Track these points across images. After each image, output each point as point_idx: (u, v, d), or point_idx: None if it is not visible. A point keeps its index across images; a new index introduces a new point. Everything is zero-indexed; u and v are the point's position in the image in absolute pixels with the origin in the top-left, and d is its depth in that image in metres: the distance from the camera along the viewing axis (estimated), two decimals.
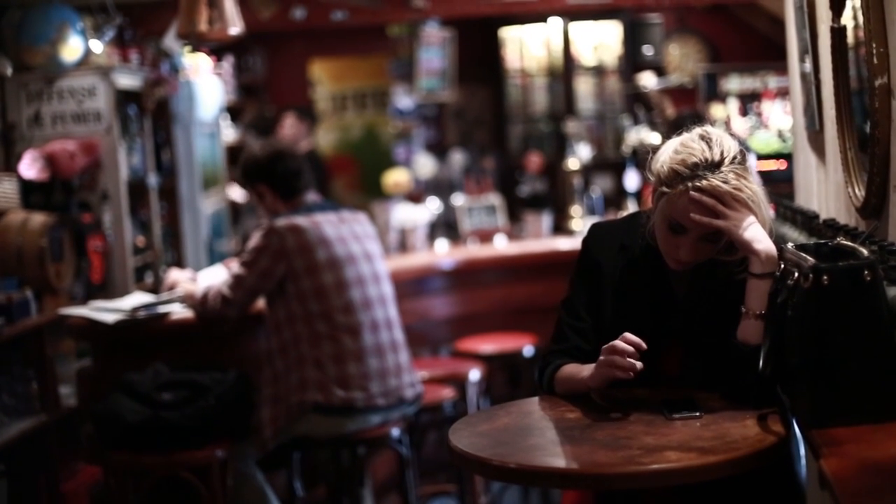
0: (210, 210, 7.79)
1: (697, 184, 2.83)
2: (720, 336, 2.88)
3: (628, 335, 2.84)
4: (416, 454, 5.54)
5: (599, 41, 10.70)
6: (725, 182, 2.82)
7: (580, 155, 9.24)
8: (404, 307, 5.70)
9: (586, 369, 2.97)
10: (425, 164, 9.68)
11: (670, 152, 2.92)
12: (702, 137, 2.90)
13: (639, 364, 2.81)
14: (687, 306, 3.03)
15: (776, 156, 8.94)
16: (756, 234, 2.81)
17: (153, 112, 6.88)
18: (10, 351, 5.34)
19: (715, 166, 2.84)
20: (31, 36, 6.11)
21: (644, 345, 2.83)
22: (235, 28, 5.61)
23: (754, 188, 2.86)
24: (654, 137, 8.41)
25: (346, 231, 5.00)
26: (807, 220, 3.89)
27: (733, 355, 2.83)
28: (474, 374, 5.94)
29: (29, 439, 5.28)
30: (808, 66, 3.95)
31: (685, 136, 2.94)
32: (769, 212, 2.93)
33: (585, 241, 3.23)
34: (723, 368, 2.87)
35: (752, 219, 2.82)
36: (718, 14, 10.27)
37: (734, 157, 2.86)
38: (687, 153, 2.87)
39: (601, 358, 2.86)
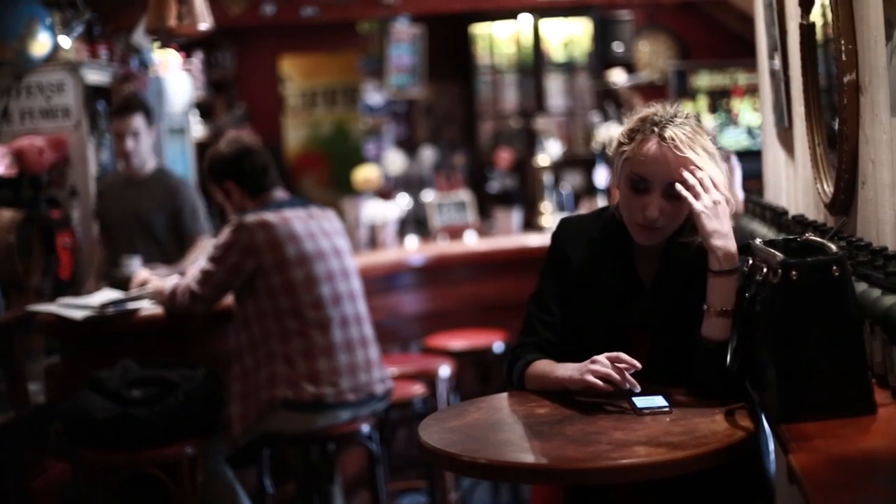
0: None
1: (661, 132, 2.88)
2: (687, 325, 2.89)
3: (623, 356, 2.85)
4: (386, 450, 5.53)
5: (569, 38, 10.73)
6: (685, 132, 2.88)
7: (550, 151, 9.26)
8: (374, 303, 5.69)
9: (561, 368, 2.97)
10: (395, 161, 9.68)
11: (625, 123, 3.03)
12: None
13: (631, 382, 2.83)
14: (654, 294, 3.04)
15: (746, 153, 8.96)
16: (717, 226, 2.81)
17: None
18: None
19: (671, 117, 2.92)
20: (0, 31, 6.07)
21: (639, 364, 2.84)
22: (205, 24, 5.59)
23: (710, 146, 2.91)
24: None
25: (315, 227, 4.98)
26: (776, 216, 3.91)
27: (698, 352, 2.83)
28: (444, 371, 5.93)
29: None
30: (778, 63, 3.97)
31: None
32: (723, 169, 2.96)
33: (554, 236, 3.23)
34: (689, 364, 2.88)
35: (721, 201, 2.83)
36: (688, 11, 10.31)
37: (687, 115, 2.96)
38: (642, 113, 2.98)
39: (592, 366, 2.86)
